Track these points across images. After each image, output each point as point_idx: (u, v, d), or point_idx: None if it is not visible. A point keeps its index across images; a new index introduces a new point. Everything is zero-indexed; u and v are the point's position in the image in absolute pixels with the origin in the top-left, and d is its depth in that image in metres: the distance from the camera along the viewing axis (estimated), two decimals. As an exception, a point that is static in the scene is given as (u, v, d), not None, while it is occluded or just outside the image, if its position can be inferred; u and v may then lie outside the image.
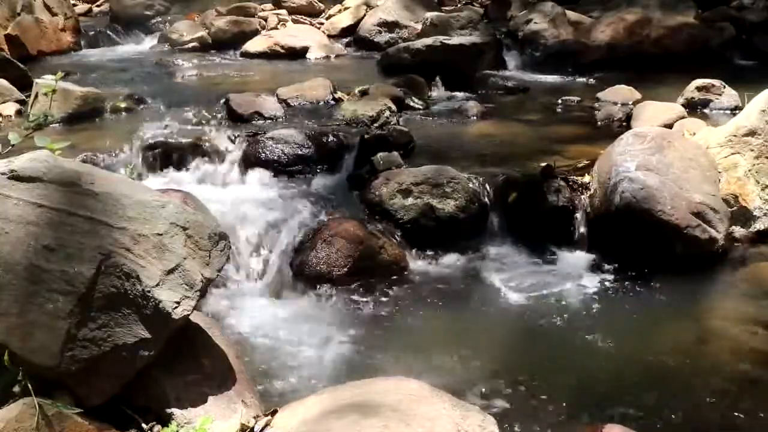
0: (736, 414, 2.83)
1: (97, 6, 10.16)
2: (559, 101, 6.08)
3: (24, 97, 5.54)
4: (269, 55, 7.76)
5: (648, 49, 7.21)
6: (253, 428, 2.32)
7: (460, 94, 6.17)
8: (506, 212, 4.18)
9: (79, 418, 2.15)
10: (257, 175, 4.54)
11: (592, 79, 6.78)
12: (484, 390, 2.90)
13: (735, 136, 4.24)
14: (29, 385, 2.12)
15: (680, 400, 2.86)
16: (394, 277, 3.84)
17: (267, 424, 2.32)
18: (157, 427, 2.30)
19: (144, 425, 2.30)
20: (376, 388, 2.34)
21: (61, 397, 2.18)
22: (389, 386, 2.35)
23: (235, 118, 5.24)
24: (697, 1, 7.83)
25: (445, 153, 4.78)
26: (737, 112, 4.95)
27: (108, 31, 8.63)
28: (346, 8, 8.78)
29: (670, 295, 3.66)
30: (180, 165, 4.61)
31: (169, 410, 2.33)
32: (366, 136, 4.77)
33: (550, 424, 2.71)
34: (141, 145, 4.62)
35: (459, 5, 9.10)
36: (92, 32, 8.52)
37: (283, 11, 8.86)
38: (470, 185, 4.17)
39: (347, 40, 8.36)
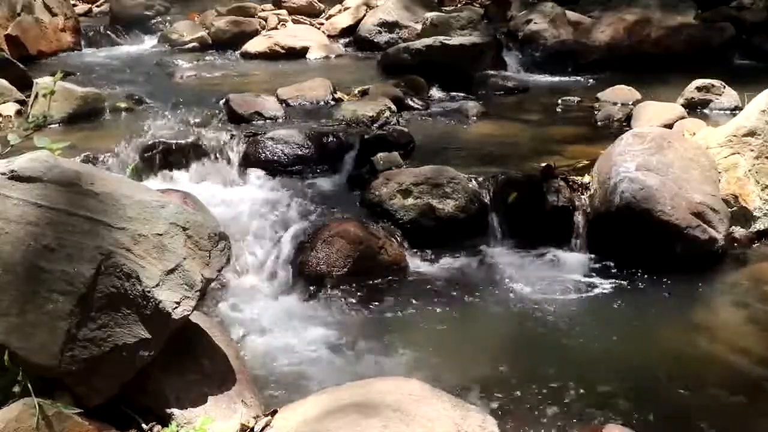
0: (736, 414, 2.83)
1: (97, 6, 10.14)
2: (559, 101, 6.08)
3: (24, 98, 5.53)
4: (269, 56, 7.75)
5: (648, 49, 7.20)
6: (253, 428, 2.33)
7: (460, 94, 6.16)
8: (506, 212, 4.17)
9: (79, 418, 2.16)
10: (257, 175, 4.54)
11: (592, 79, 6.77)
12: (484, 390, 2.90)
13: (735, 136, 4.24)
14: (29, 385, 2.13)
15: (680, 400, 2.86)
16: (394, 277, 3.84)
17: (267, 424, 2.32)
18: (157, 427, 2.30)
19: (144, 425, 2.30)
20: (376, 388, 2.34)
21: (61, 397, 2.18)
22: (389, 386, 2.35)
23: (235, 118, 5.23)
24: (697, 1, 7.83)
25: (445, 153, 4.78)
26: (737, 112, 4.94)
27: (108, 31, 8.59)
28: (346, 8, 8.78)
29: (670, 296, 3.66)
30: (180, 165, 4.60)
31: (169, 410, 2.33)
32: (366, 136, 4.78)
33: (550, 424, 2.71)
34: (141, 145, 4.62)
35: (459, 5, 9.09)
36: (92, 32, 8.49)
37: (283, 11, 8.85)
38: (470, 185, 4.17)
39: (347, 40, 8.34)
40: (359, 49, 8.10)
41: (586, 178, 4.27)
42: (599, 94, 6.05)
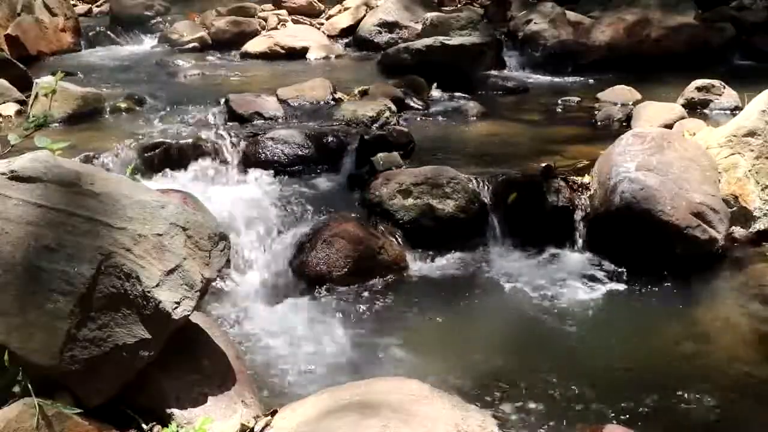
0: (736, 414, 2.83)
1: (97, 6, 10.14)
2: (559, 101, 6.08)
3: (24, 98, 5.53)
4: (269, 56, 7.75)
5: (648, 49, 7.21)
6: (253, 428, 2.33)
7: (460, 94, 6.16)
8: (506, 212, 4.17)
9: (79, 419, 2.16)
10: (257, 175, 4.53)
11: (592, 79, 6.78)
12: (484, 390, 2.90)
13: (735, 136, 4.24)
14: (29, 385, 2.12)
15: (680, 400, 2.86)
16: (394, 277, 3.84)
17: (267, 424, 2.32)
18: (157, 427, 2.30)
19: (144, 425, 2.30)
20: (376, 388, 2.34)
21: (61, 397, 2.18)
22: (389, 386, 2.35)
23: (235, 118, 5.23)
24: (697, 1, 7.84)
25: (445, 153, 4.79)
26: (737, 112, 4.94)
27: (108, 32, 8.60)
28: (346, 8, 8.78)
29: (670, 296, 3.66)
30: (180, 165, 4.59)
31: (169, 410, 2.33)
32: (366, 136, 4.77)
33: (550, 424, 2.71)
34: (141, 145, 4.62)
35: (459, 5, 9.10)
36: (92, 32, 8.49)
37: (283, 11, 8.86)
38: (470, 185, 4.17)
39: (347, 40, 8.35)
40: (359, 49, 8.10)
41: (586, 178, 4.27)
42: (599, 94, 6.06)
